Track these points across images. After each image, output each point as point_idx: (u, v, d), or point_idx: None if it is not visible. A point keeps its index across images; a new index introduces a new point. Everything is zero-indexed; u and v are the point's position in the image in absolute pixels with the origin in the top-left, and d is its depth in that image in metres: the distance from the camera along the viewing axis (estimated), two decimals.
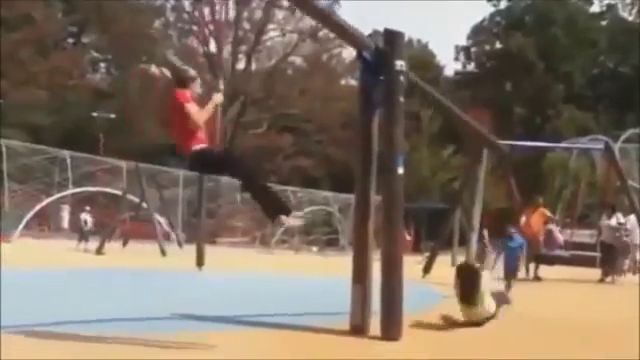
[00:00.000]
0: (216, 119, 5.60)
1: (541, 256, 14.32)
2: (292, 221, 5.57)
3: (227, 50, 44.91)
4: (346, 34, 6.13)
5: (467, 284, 6.82)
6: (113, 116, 39.47)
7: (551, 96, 45.67)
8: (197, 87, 5.59)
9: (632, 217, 14.90)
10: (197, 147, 5.34)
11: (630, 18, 49.61)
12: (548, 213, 15.22)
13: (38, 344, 5.26)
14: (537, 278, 13.98)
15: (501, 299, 7.34)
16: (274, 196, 5.60)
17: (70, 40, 49.21)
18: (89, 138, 38.22)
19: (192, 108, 5.33)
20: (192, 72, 5.66)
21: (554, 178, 30.67)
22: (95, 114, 39.53)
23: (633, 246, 15.08)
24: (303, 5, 6.33)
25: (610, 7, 51.45)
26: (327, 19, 6.19)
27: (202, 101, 5.48)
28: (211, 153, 5.48)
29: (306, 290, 10.49)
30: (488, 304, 6.85)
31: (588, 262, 17.20)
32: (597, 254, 16.71)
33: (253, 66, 45.89)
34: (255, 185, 5.45)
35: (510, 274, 10.17)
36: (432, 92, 8.57)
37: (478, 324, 6.75)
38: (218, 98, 5.59)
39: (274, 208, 5.38)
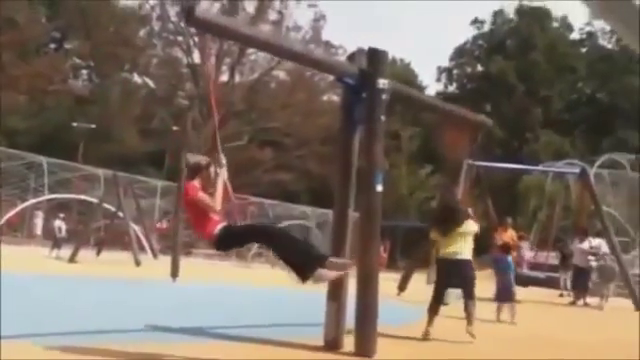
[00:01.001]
0: (227, 191, 5.68)
1: (516, 276, 14.33)
2: (330, 275, 5.32)
3: (211, 62, 44.86)
4: (324, 66, 6.28)
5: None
6: (93, 126, 39.08)
7: (530, 119, 46.31)
8: (209, 173, 5.64)
9: (601, 242, 15.10)
10: (217, 229, 5.37)
11: (609, 46, 50.66)
12: (515, 235, 15.19)
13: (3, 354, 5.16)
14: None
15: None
16: (306, 248, 5.52)
17: (52, 45, 48.81)
18: (67, 144, 37.82)
19: (204, 197, 5.42)
20: (203, 161, 5.74)
21: (530, 200, 31.06)
22: (75, 124, 39.09)
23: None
24: (278, 51, 6.46)
25: (590, 35, 52.51)
26: (303, 58, 6.31)
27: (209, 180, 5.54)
28: (232, 230, 5.50)
29: (281, 304, 10.45)
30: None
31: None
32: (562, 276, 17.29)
33: (236, 78, 45.91)
34: (283, 244, 5.38)
35: (509, 296, 9.79)
36: (420, 96, 8.70)
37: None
38: (224, 173, 5.63)
39: (308, 262, 5.22)
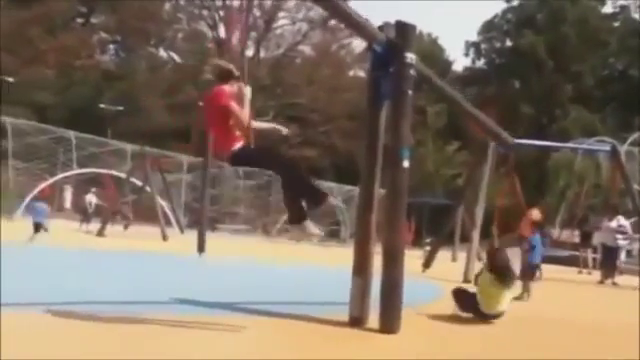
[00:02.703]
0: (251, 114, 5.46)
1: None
2: (312, 229, 5.47)
3: (236, 36, 44.77)
4: (356, 26, 6.07)
5: (501, 266, 6.94)
6: (121, 108, 39.33)
7: (559, 96, 45.46)
8: (241, 88, 5.40)
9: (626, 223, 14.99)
10: (236, 146, 5.28)
11: None
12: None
13: (35, 323, 5.26)
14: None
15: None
16: (311, 188, 5.46)
17: (79, 20, 49.11)
18: (95, 119, 38.20)
19: (235, 107, 5.20)
20: (235, 71, 5.50)
21: (558, 178, 30.61)
22: (103, 106, 39.35)
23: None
24: None
25: (623, 8, 51.09)
26: (337, 9, 6.12)
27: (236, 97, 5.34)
28: (249, 151, 5.37)
29: (306, 280, 10.49)
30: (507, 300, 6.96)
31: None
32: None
33: (262, 53, 45.78)
34: (293, 178, 5.32)
35: (529, 274, 9.73)
36: (443, 86, 8.53)
37: (486, 318, 6.77)
38: (249, 91, 5.43)
39: (309, 199, 5.29)
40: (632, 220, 16.06)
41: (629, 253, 17.34)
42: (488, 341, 6.18)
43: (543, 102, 45.30)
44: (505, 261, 7.04)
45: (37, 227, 13.79)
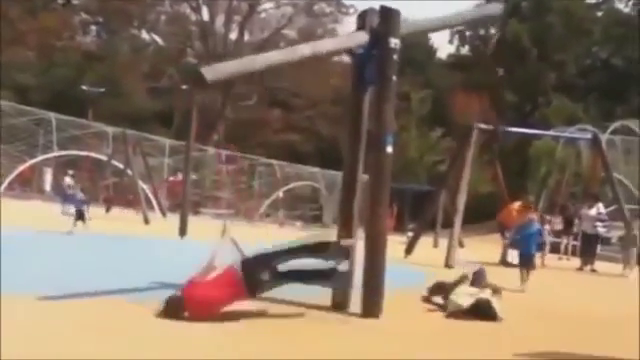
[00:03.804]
0: None
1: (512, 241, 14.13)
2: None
3: (220, 20, 44.38)
4: (336, 52, 6.19)
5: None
6: (103, 90, 38.88)
7: (542, 84, 45.69)
8: None
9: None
10: None
11: (626, 10, 49.58)
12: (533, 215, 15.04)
13: (18, 309, 5.20)
14: (506, 263, 13.73)
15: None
16: None
17: (60, 1, 48.33)
18: (76, 101, 37.74)
19: None
20: None
21: (540, 165, 30.85)
22: (85, 87, 38.86)
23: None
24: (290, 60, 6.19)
25: None
26: (314, 56, 6.05)
27: None
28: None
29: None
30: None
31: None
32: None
33: (246, 37, 45.44)
34: None
35: (526, 263, 9.39)
36: None
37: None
38: None
39: None
40: (611, 208, 16.26)
41: (608, 241, 17.53)
42: (470, 325, 6.23)
43: (527, 90, 45.51)
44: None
45: (80, 215, 13.69)
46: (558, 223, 19.19)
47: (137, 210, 21.28)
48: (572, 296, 9.96)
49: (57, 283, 6.37)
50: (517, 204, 14.49)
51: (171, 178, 25.86)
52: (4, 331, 4.24)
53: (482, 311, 6.37)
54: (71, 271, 7.71)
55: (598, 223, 15.02)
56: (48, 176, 30.92)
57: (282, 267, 5.57)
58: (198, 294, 5.18)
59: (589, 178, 21.40)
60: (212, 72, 5.26)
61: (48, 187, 30.71)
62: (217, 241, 5.67)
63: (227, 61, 6.13)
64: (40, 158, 28.23)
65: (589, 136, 17.14)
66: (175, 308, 5.15)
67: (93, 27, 49.53)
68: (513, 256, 12.23)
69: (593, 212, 15.20)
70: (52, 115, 28.75)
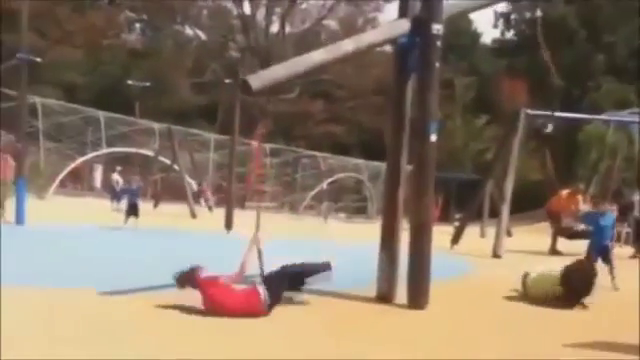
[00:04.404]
0: None
1: (561, 229, 13.76)
2: None
3: (261, 12, 44.53)
4: (379, 44, 6.10)
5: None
6: (148, 84, 39.55)
7: (591, 67, 44.37)
8: None
9: None
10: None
11: None
12: (581, 201, 14.63)
13: (72, 300, 5.33)
14: (555, 252, 13.43)
15: None
16: None
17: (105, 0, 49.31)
18: (123, 98, 38.50)
19: None
20: None
21: (590, 151, 29.99)
22: (130, 82, 39.60)
23: None
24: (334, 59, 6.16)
25: None
26: (356, 52, 5.99)
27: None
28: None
29: (334, 256, 10.46)
30: None
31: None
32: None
33: (287, 29, 45.47)
34: None
35: (604, 258, 8.35)
36: None
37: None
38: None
39: None
40: None
41: None
42: (516, 316, 6.09)
43: (575, 74, 44.25)
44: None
45: (134, 208, 13.82)
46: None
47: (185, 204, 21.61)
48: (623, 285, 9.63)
49: (112, 278, 6.50)
50: (566, 191, 14.12)
51: (204, 185, 26.01)
52: (68, 324, 4.33)
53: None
54: (123, 267, 7.86)
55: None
56: (98, 173, 31.68)
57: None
58: (215, 293, 5.21)
59: None
60: (258, 80, 5.28)
61: (98, 184, 31.47)
62: (247, 249, 5.67)
63: (271, 65, 6.09)
64: (90, 155, 28.92)
65: None
66: (183, 282, 5.30)
67: (137, 25, 50.38)
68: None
69: None
70: (100, 113, 29.39)
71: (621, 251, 15.97)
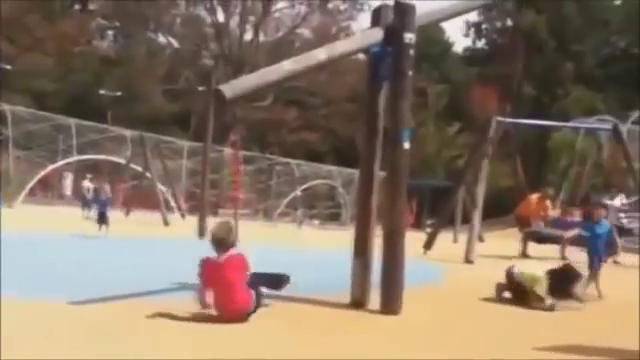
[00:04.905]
0: None
1: (530, 233, 13.98)
2: None
3: (235, 21, 44.49)
4: (351, 53, 6.21)
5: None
6: (119, 94, 39.22)
7: (561, 75, 45.23)
8: None
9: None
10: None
11: None
12: (550, 206, 14.90)
13: (35, 310, 5.26)
14: (526, 256, 13.62)
15: None
16: None
17: (77, 6, 48.81)
18: (95, 106, 38.11)
19: None
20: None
21: (560, 158, 30.55)
22: (102, 91, 39.22)
23: None
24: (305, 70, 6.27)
25: None
26: (328, 61, 6.03)
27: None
28: None
29: (307, 262, 10.49)
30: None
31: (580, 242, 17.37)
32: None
33: (261, 37, 45.49)
34: None
35: (595, 267, 8.20)
36: None
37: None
38: None
39: None
40: (634, 199, 16.04)
41: (630, 232, 17.26)
42: (489, 319, 6.18)
43: (545, 82, 45.08)
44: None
45: (103, 217, 13.79)
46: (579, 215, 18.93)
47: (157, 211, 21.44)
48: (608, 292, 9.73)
49: (81, 287, 6.43)
50: (535, 196, 14.37)
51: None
52: (32, 335, 4.28)
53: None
54: (93, 275, 7.78)
55: (621, 214, 14.83)
56: (69, 181, 31.27)
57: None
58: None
59: (610, 169, 21.14)
60: (231, 89, 5.29)
61: (69, 192, 31.06)
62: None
63: (244, 75, 6.15)
64: (60, 163, 28.54)
65: (609, 127, 16.89)
66: None
67: (110, 32, 49.94)
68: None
69: (616, 203, 15.01)
70: (72, 121, 29.04)
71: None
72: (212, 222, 15.35)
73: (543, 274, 6.91)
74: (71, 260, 9.20)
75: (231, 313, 5.17)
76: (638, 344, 5.03)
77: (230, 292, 5.19)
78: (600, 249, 8.40)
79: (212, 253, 5.41)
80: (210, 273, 5.25)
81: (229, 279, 5.22)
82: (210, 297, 5.22)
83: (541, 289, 6.80)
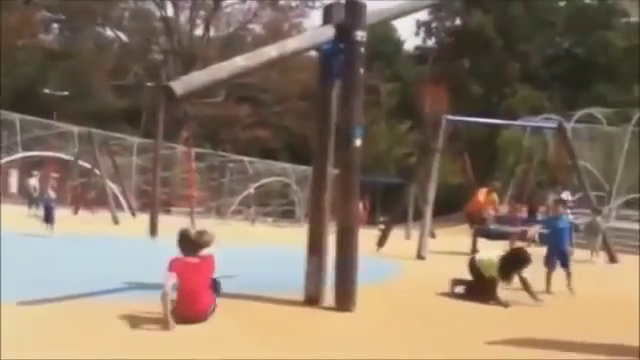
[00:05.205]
0: None
1: (480, 230, 14.27)
2: None
3: (185, 15, 43.85)
4: (302, 51, 6.24)
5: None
6: (66, 93, 38.13)
7: (508, 74, 46.28)
8: None
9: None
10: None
11: (587, 0, 50.44)
12: (497, 200, 15.31)
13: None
14: (476, 252, 13.86)
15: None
16: None
17: None
18: (41, 101, 36.94)
19: None
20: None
21: (508, 155, 31.27)
22: (47, 91, 38.02)
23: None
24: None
25: None
26: (280, 58, 6.07)
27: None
28: None
29: (261, 260, 10.45)
30: None
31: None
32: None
33: (211, 32, 44.97)
34: None
35: (563, 262, 8.25)
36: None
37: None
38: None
39: None
40: (578, 195, 16.54)
41: (575, 227, 17.75)
42: (441, 314, 6.28)
43: (492, 81, 46.03)
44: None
45: (49, 216, 13.54)
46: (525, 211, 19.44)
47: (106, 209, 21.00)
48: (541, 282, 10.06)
49: (29, 287, 6.25)
50: (483, 190, 14.69)
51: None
52: None
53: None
54: (41, 275, 7.56)
55: (567, 211, 15.24)
56: (14, 178, 30.29)
57: None
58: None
59: (555, 166, 21.75)
60: (181, 86, 5.22)
61: (14, 189, 30.09)
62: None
63: (194, 71, 6.08)
64: (4, 160, 27.60)
65: (554, 125, 17.37)
66: None
67: (55, 25, 48.48)
68: None
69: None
70: (16, 116, 28.11)
71: (536, 251, 16.73)
72: (164, 220, 15.21)
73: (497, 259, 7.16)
74: (18, 260, 8.92)
75: (194, 314, 5.13)
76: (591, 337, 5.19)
77: (196, 293, 5.16)
78: (564, 244, 8.31)
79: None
80: (179, 274, 5.17)
81: (198, 280, 5.19)
82: (173, 296, 5.15)
83: (495, 272, 7.07)
